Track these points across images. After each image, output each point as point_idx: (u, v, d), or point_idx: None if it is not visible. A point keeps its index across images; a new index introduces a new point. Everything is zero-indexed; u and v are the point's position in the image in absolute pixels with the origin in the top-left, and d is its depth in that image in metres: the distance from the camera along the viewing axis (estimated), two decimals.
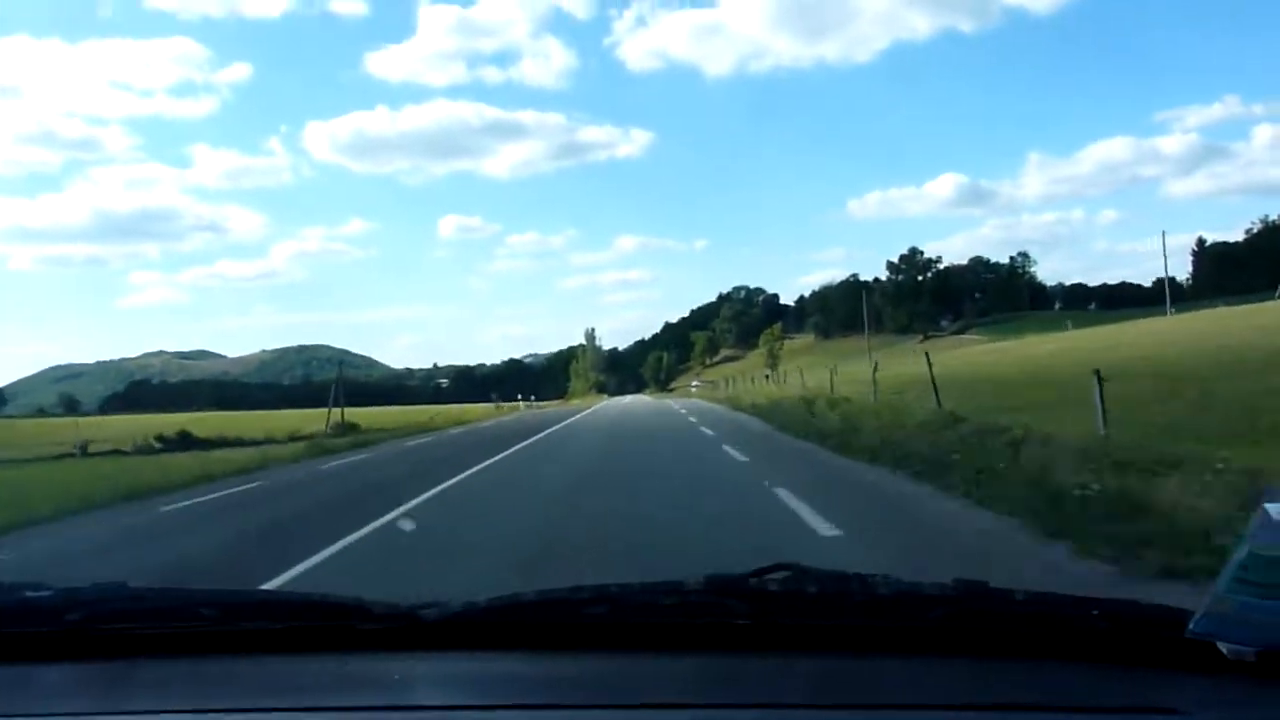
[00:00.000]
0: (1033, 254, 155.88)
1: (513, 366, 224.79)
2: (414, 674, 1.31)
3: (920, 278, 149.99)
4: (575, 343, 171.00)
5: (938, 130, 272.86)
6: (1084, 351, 27.91)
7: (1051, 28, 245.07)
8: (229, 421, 42.20)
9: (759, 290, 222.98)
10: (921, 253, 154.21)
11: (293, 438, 30.63)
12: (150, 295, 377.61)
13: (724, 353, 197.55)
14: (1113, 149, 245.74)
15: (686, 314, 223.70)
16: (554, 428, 26.81)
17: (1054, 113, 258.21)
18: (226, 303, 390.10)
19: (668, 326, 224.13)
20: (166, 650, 1.36)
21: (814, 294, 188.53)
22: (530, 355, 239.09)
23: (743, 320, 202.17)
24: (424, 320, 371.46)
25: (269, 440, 30.64)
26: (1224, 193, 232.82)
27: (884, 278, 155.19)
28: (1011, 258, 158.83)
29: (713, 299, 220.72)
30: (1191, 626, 1.07)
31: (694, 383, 45.22)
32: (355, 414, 36.71)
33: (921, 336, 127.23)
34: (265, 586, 5.59)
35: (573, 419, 33.60)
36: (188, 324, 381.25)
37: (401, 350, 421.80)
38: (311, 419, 35.14)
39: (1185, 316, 57.01)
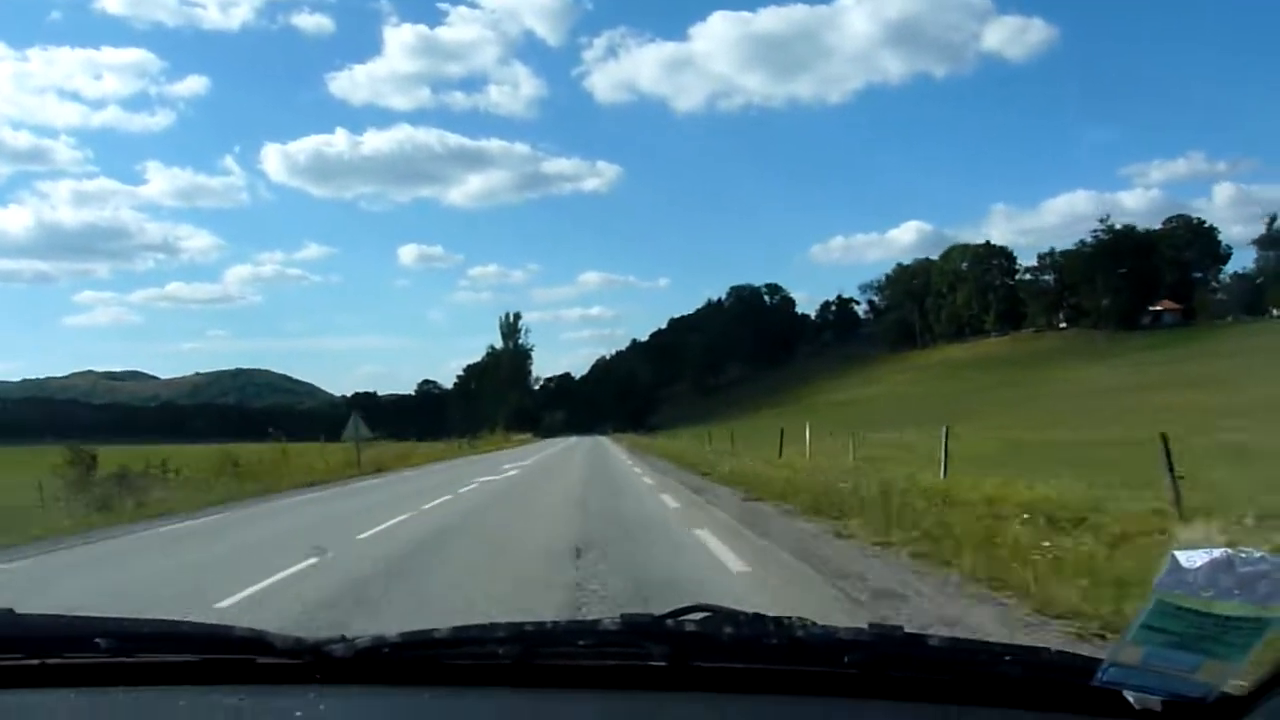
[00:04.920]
0: None
1: (425, 390, 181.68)
2: (317, 711, 1.23)
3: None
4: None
5: (904, 176, 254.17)
6: None
7: (1025, 78, 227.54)
8: None
9: (774, 286, 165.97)
10: None
11: None
12: (97, 315, 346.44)
13: (733, 371, 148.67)
14: (1075, 201, 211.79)
15: (664, 325, 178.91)
16: None
17: (1020, 163, 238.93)
18: (177, 325, 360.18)
19: (635, 345, 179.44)
20: (55, 682, 1.29)
21: (892, 273, 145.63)
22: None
23: (756, 327, 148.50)
24: (380, 349, 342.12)
25: None
26: None
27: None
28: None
29: (700, 305, 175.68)
30: (1099, 676, 1.08)
31: None
32: None
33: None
34: None
35: None
36: (121, 343, 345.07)
37: (358, 378, 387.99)
38: None
39: None
